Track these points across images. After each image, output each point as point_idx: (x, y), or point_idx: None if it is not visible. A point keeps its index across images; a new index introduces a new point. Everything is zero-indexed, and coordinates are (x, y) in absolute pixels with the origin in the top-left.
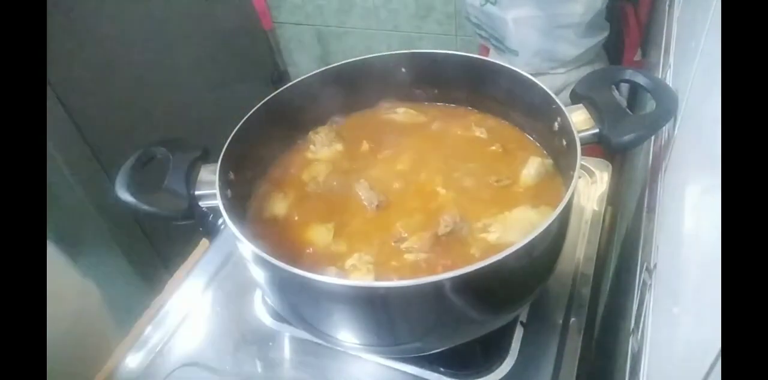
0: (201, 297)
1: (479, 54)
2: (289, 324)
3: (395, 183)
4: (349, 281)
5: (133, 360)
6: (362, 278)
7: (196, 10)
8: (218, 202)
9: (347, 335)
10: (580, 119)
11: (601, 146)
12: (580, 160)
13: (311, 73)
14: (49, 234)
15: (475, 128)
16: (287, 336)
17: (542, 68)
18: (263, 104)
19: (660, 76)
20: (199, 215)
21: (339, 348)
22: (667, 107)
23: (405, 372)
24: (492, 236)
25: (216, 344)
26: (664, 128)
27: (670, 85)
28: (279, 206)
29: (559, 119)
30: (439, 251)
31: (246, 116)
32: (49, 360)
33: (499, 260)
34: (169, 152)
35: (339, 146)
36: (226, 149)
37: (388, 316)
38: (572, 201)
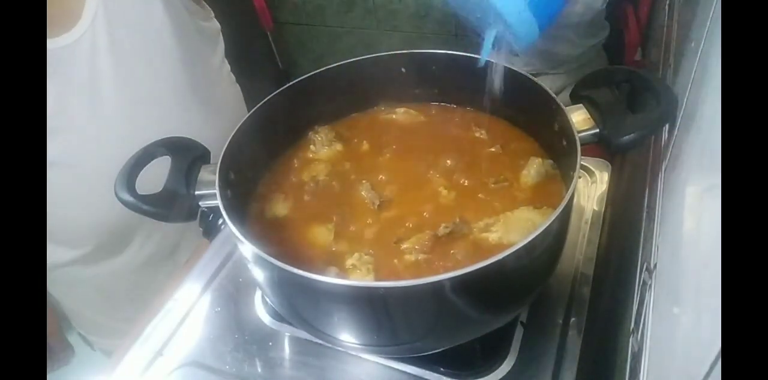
0: (201, 297)
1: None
2: (289, 324)
3: (396, 183)
4: (349, 281)
5: (133, 360)
6: (362, 279)
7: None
8: (218, 202)
9: (347, 335)
10: (580, 119)
11: (601, 146)
12: (580, 160)
13: (311, 73)
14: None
15: (475, 128)
16: (287, 336)
17: (542, 68)
18: (263, 103)
19: (660, 76)
20: (199, 215)
21: (339, 348)
22: (667, 107)
23: (405, 372)
24: (493, 236)
25: (216, 344)
26: (664, 128)
27: (670, 85)
28: (279, 206)
29: (559, 119)
30: (439, 252)
31: (246, 116)
32: None
33: (499, 260)
34: (169, 152)
35: (339, 146)
36: (226, 148)
37: (388, 316)
38: (572, 201)
